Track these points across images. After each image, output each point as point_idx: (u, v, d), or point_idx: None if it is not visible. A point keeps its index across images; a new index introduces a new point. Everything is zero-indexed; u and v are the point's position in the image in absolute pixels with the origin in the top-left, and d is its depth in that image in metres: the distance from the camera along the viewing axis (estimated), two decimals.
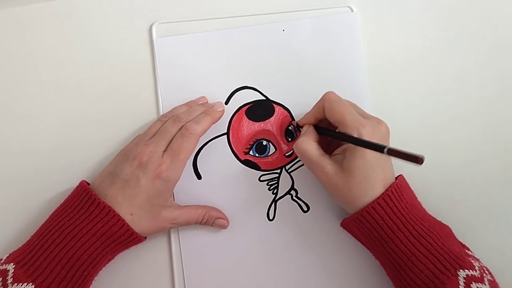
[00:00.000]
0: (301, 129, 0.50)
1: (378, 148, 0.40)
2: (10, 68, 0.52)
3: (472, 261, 0.42)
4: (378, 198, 0.43)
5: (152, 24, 0.53)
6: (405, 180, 0.46)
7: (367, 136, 0.43)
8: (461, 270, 0.40)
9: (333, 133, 0.47)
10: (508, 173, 0.53)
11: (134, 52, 0.53)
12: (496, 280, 0.43)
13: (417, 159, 0.35)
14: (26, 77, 0.52)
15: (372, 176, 0.43)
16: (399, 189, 0.44)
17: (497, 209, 0.52)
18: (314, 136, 0.47)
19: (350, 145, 0.45)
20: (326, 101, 0.46)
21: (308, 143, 0.46)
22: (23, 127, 0.51)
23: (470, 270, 0.41)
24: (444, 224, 0.46)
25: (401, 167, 0.48)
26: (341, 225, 0.49)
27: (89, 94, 0.52)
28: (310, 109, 0.49)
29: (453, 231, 0.45)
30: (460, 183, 0.53)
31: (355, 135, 0.43)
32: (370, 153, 0.43)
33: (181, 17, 0.54)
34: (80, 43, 0.53)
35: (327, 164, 0.45)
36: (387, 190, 0.43)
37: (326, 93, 0.47)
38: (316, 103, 0.48)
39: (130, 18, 0.53)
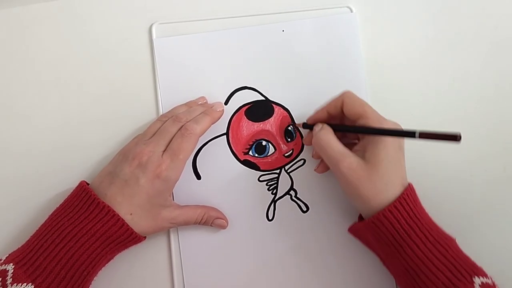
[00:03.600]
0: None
1: (408, 134, 0.39)
2: (10, 68, 0.52)
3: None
4: (394, 201, 0.42)
5: (152, 24, 0.53)
6: (413, 187, 0.45)
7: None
8: (476, 277, 0.40)
9: (355, 128, 0.46)
10: (508, 173, 0.53)
11: (134, 52, 0.53)
12: (497, 280, 0.43)
13: (455, 137, 0.34)
14: (26, 77, 0.52)
15: (393, 171, 0.43)
16: (413, 193, 0.43)
17: (497, 209, 0.52)
18: (331, 131, 0.46)
19: (369, 140, 0.44)
20: (346, 96, 0.46)
21: (329, 135, 0.46)
22: (23, 127, 0.51)
23: (485, 278, 0.40)
24: (450, 235, 0.45)
25: None
26: (349, 231, 0.48)
27: (89, 94, 0.52)
28: (322, 106, 0.48)
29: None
30: (460, 183, 0.53)
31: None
32: (392, 146, 0.43)
33: (181, 17, 0.54)
34: (80, 43, 0.53)
35: (349, 155, 0.44)
36: (403, 193, 0.42)
37: (345, 91, 0.47)
38: (333, 99, 0.47)
39: (130, 18, 0.53)
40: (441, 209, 0.51)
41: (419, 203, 0.44)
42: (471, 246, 0.45)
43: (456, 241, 0.45)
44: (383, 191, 0.42)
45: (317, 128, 0.47)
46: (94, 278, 0.45)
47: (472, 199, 0.52)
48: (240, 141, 0.52)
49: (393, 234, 0.42)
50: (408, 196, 0.42)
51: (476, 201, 0.52)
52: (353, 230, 0.48)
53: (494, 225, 0.52)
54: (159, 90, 0.52)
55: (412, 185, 0.45)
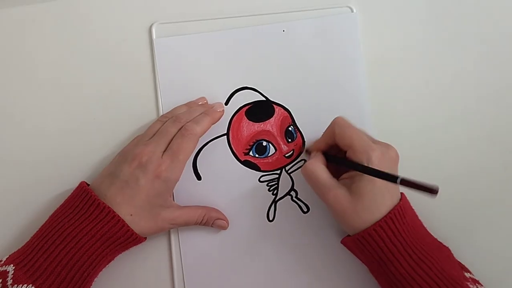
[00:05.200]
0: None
1: (391, 178, 0.39)
2: (9, 68, 0.52)
3: (470, 285, 0.42)
4: (380, 220, 0.42)
5: (152, 24, 0.53)
6: (407, 200, 0.46)
7: (376, 160, 0.43)
8: None
9: (343, 161, 0.46)
10: (508, 173, 0.53)
11: (134, 53, 0.53)
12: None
13: (431, 190, 0.34)
14: (26, 77, 0.52)
15: (380, 201, 0.43)
16: (401, 211, 0.43)
17: (497, 209, 0.52)
18: (322, 160, 0.47)
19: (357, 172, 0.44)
20: (336, 125, 0.46)
21: (316, 165, 0.46)
22: (23, 127, 0.51)
23: None
24: (444, 246, 0.46)
25: (400, 169, 0.48)
26: (341, 243, 0.49)
27: (89, 95, 0.52)
28: (321, 135, 0.49)
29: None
30: (460, 183, 0.52)
31: (365, 160, 0.43)
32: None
33: (181, 17, 0.53)
34: (79, 43, 0.52)
35: (335, 187, 0.44)
36: (389, 212, 0.43)
37: (336, 117, 0.47)
38: (326, 129, 0.48)
39: (130, 18, 0.53)
40: (441, 209, 0.51)
41: (410, 219, 0.44)
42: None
43: (450, 250, 0.46)
44: (369, 218, 0.43)
45: (311, 155, 0.48)
46: (95, 279, 0.45)
47: (472, 199, 0.52)
48: (240, 141, 0.52)
49: (377, 252, 0.43)
50: (395, 215, 0.43)
51: (476, 201, 0.52)
52: (343, 243, 0.48)
53: (494, 225, 0.52)
54: (159, 91, 0.52)
55: (404, 201, 0.45)
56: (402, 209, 0.43)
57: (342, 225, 0.46)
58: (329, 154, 0.48)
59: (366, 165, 0.43)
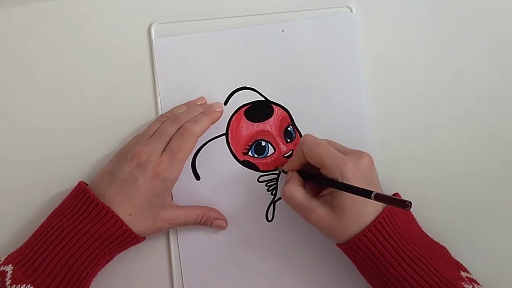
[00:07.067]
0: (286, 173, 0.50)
1: (365, 193, 0.39)
2: (9, 68, 0.52)
3: (466, 285, 0.42)
4: (369, 225, 0.42)
5: (151, 24, 0.53)
6: None
7: (350, 174, 0.42)
8: None
9: (317, 178, 0.46)
10: (508, 173, 0.53)
11: (133, 52, 0.53)
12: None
13: (404, 204, 0.35)
14: (26, 77, 0.52)
15: (363, 211, 0.43)
16: (390, 214, 0.43)
17: (497, 209, 0.52)
18: (299, 181, 0.47)
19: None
20: (304, 144, 0.46)
21: (293, 188, 0.46)
22: (22, 127, 0.51)
23: None
24: (439, 245, 0.46)
25: (401, 169, 0.48)
26: (337, 245, 0.48)
27: (88, 94, 0.52)
28: (292, 155, 0.49)
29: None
30: (460, 183, 0.52)
31: (338, 176, 0.43)
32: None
33: (180, 17, 0.53)
34: (79, 43, 0.53)
35: (316, 206, 0.44)
36: (378, 217, 0.43)
37: (303, 136, 0.47)
38: (296, 148, 0.48)
39: (129, 18, 0.53)
40: (441, 209, 0.51)
41: (401, 220, 0.44)
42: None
43: (447, 249, 0.46)
44: (355, 230, 0.43)
45: (287, 176, 0.48)
46: (93, 279, 0.45)
47: (472, 199, 0.52)
48: (239, 141, 0.52)
49: (369, 257, 0.43)
50: (384, 219, 0.43)
51: (476, 201, 0.52)
52: (339, 247, 0.48)
53: (494, 225, 0.52)
54: (159, 90, 0.52)
55: None
56: (391, 212, 0.43)
57: (331, 239, 0.46)
58: (305, 172, 0.48)
59: (340, 181, 0.42)
